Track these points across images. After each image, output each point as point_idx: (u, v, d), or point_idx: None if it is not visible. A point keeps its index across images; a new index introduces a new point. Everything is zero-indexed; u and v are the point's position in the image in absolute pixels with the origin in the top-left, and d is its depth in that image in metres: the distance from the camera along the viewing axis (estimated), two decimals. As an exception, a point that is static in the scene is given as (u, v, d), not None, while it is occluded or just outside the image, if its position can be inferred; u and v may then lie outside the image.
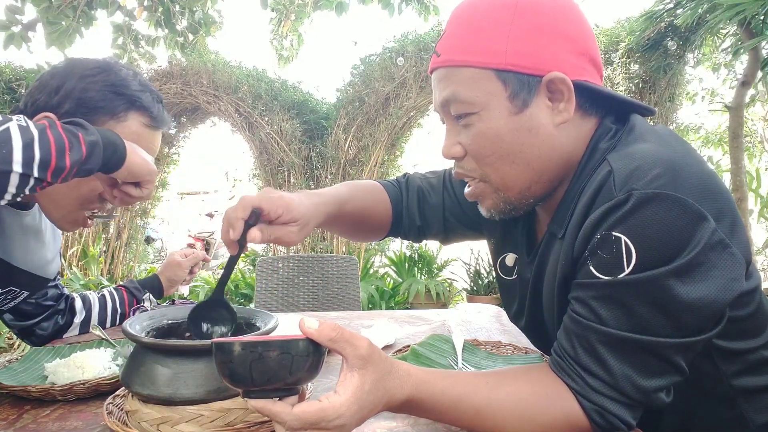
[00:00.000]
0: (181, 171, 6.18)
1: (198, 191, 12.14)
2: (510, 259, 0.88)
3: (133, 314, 1.17)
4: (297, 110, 4.74)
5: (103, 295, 1.33)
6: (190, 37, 3.40)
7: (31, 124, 0.72)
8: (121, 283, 1.40)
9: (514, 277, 0.87)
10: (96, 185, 0.94)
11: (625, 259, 0.59)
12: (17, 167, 0.68)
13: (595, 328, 0.62)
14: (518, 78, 0.67)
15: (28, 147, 0.69)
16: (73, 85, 0.92)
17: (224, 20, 3.64)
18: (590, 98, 0.71)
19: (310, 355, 0.54)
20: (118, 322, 1.32)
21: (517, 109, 0.68)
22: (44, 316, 1.22)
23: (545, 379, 0.66)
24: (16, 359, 1.02)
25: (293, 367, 0.53)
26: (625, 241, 0.59)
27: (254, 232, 0.70)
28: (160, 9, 3.20)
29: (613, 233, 0.60)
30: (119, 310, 1.33)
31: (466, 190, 0.77)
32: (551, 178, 0.72)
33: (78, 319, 1.28)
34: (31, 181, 0.71)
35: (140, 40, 3.45)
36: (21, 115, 0.73)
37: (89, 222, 1.01)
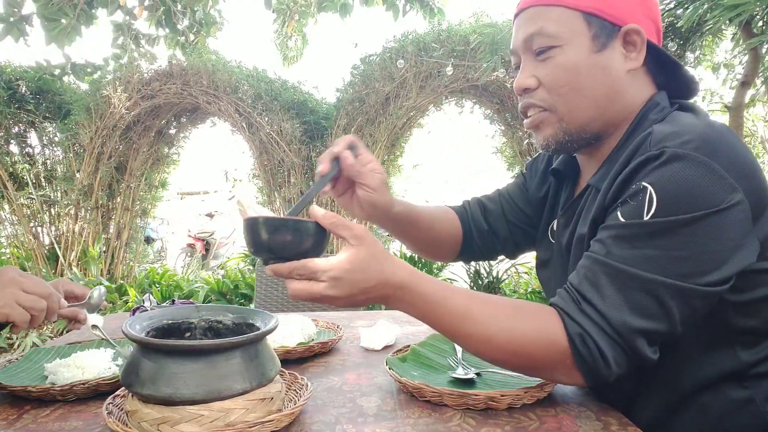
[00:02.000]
0: (181, 171, 6.18)
1: (198, 191, 12.12)
2: (556, 223, 0.93)
3: (133, 314, 1.17)
4: (297, 110, 4.73)
5: None
6: (191, 37, 3.39)
7: None
8: None
9: (554, 240, 0.92)
10: None
11: (646, 207, 0.64)
12: None
13: (603, 260, 0.66)
14: (601, 23, 0.76)
15: None
16: None
17: (225, 20, 3.63)
18: (655, 62, 0.80)
19: (316, 235, 0.67)
20: None
21: (597, 49, 0.76)
22: None
23: (531, 303, 0.72)
24: (16, 359, 1.02)
25: (302, 241, 0.66)
26: (650, 190, 0.64)
27: (347, 152, 0.83)
28: (161, 9, 3.19)
29: (643, 183, 0.66)
30: None
31: (526, 120, 0.84)
32: (609, 119, 0.79)
33: None
34: None
35: (141, 39, 3.44)
36: None
37: None
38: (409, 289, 0.68)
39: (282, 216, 0.69)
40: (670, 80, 0.82)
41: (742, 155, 0.67)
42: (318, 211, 0.66)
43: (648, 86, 0.80)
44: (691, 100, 0.82)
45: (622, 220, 0.67)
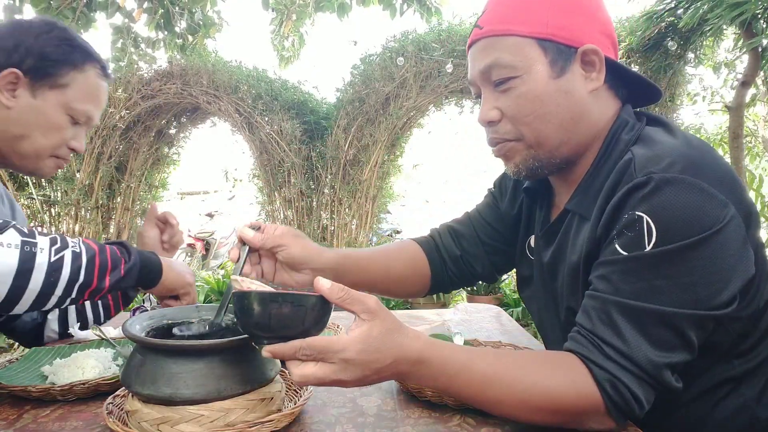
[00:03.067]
0: (181, 171, 6.18)
1: (198, 191, 12.13)
2: (533, 240, 0.92)
3: (134, 314, 1.17)
4: (297, 110, 4.73)
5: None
6: (190, 38, 3.38)
7: (83, 249, 0.82)
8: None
9: (533, 257, 0.91)
10: (65, 135, 1.01)
11: (646, 237, 0.63)
12: (59, 291, 0.79)
13: (614, 300, 0.65)
14: (557, 47, 0.74)
15: (75, 273, 0.80)
16: (31, 42, 0.97)
17: (224, 22, 3.62)
18: (614, 76, 0.78)
19: (320, 310, 0.61)
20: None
21: (556, 74, 0.75)
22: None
23: (554, 353, 0.69)
24: (16, 359, 1.02)
25: (306, 318, 0.59)
26: (646, 220, 0.63)
27: (246, 230, 0.83)
28: (160, 11, 3.19)
29: (636, 213, 0.64)
30: (101, 306, 1.23)
31: (494, 149, 0.82)
32: (579, 141, 0.78)
33: (52, 315, 1.21)
34: (68, 301, 0.82)
35: (140, 42, 3.44)
36: (77, 240, 0.83)
37: (61, 162, 1.05)
38: (427, 362, 0.62)
39: (279, 290, 0.63)
40: (632, 91, 0.81)
41: (724, 168, 0.66)
42: (324, 284, 0.60)
43: (612, 102, 0.80)
44: (660, 105, 0.83)
45: (623, 253, 0.65)
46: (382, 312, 0.61)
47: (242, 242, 0.84)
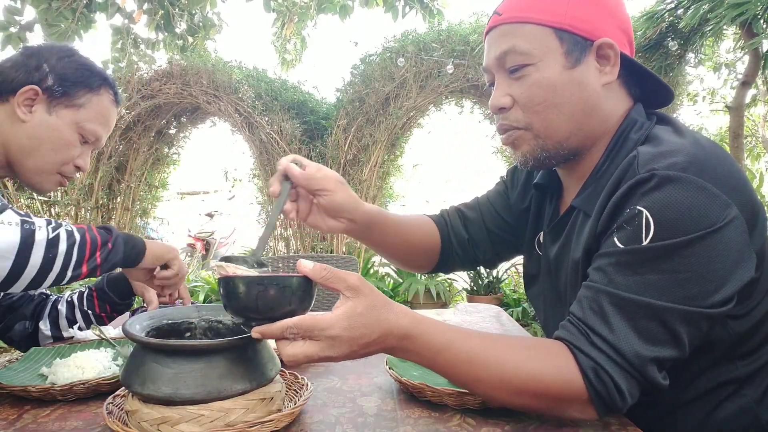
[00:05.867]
0: (181, 171, 6.18)
1: (198, 191, 12.13)
2: (542, 236, 0.92)
3: (134, 314, 1.17)
4: (297, 110, 4.73)
5: (72, 301, 1.28)
6: (189, 39, 3.38)
7: (74, 229, 0.90)
8: (93, 284, 1.31)
9: (541, 253, 0.91)
10: (73, 152, 1.06)
11: (644, 232, 0.63)
12: (57, 268, 0.85)
13: (607, 290, 0.65)
14: (573, 38, 0.75)
15: (70, 249, 0.87)
16: (54, 63, 1.05)
17: (224, 23, 3.62)
18: (628, 73, 0.79)
19: (304, 290, 0.63)
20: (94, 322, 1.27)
21: (571, 65, 0.75)
22: (7, 322, 1.20)
23: (541, 339, 0.70)
24: (16, 359, 1.02)
25: (291, 299, 0.62)
26: (646, 215, 0.63)
27: (292, 165, 0.82)
28: (160, 12, 3.19)
29: (637, 207, 0.64)
30: (91, 314, 1.27)
31: (502, 137, 0.83)
32: (588, 134, 0.78)
33: (44, 324, 1.24)
34: (64, 280, 0.88)
35: (140, 43, 3.44)
36: (65, 222, 0.90)
37: (64, 180, 1.10)
38: (414, 337, 0.64)
39: (268, 274, 0.66)
40: (645, 90, 0.81)
41: (731, 169, 0.66)
42: (306, 265, 0.62)
43: (624, 99, 0.80)
44: (669, 107, 0.83)
45: (620, 246, 0.65)
46: (365, 288, 0.62)
47: (285, 177, 0.82)
